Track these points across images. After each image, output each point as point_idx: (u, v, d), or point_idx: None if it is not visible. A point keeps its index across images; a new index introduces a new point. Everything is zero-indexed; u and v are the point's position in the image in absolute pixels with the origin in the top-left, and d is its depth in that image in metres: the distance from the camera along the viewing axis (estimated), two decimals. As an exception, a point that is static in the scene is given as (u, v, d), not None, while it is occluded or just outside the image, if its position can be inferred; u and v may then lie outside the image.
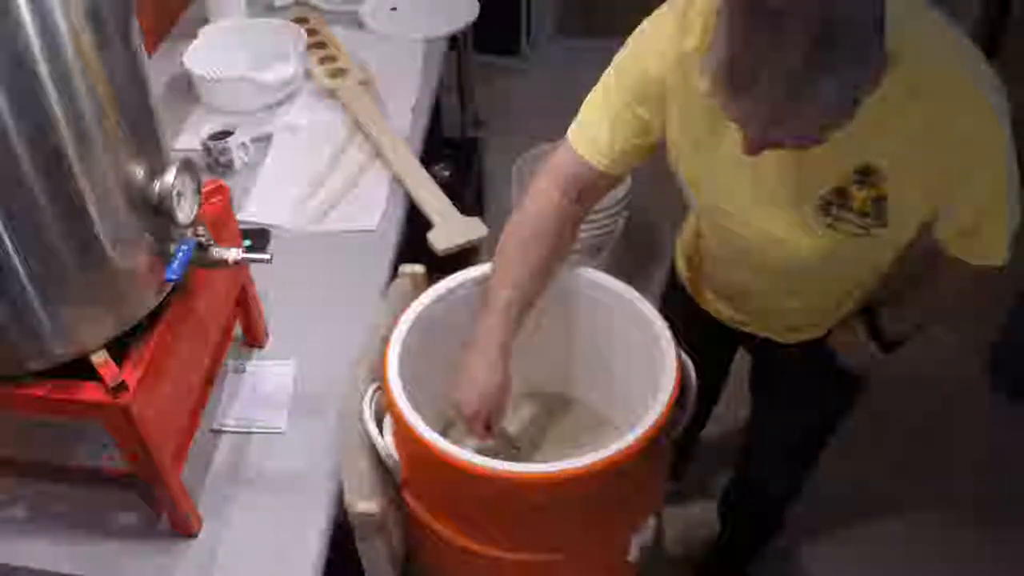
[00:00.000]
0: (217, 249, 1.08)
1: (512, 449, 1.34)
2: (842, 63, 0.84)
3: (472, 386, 1.17)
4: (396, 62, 2.06)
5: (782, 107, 0.87)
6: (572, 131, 1.19)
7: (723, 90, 0.91)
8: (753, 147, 0.96)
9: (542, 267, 1.20)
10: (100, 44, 0.86)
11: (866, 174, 1.03)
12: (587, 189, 1.20)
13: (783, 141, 0.94)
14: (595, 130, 1.17)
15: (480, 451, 1.15)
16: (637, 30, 1.14)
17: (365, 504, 1.08)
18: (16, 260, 0.87)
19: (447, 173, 2.34)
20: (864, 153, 1.02)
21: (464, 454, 1.05)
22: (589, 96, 1.19)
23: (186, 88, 1.94)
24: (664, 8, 1.11)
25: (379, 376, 1.16)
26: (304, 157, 1.77)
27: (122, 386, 0.96)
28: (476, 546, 1.14)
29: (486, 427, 1.20)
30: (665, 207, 1.72)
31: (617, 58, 1.16)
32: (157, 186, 0.96)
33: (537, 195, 1.20)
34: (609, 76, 1.17)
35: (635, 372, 1.24)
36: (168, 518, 1.16)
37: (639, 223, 2.59)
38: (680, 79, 1.09)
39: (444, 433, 1.11)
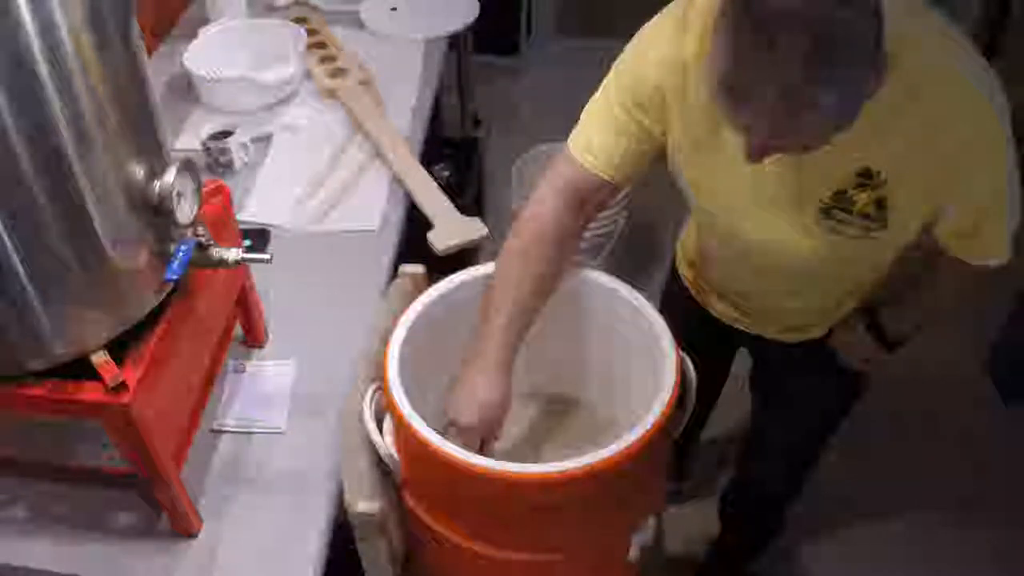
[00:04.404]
0: (217, 249, 1.08)
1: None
2: (841, 70, 0.84)
3: (471, 401, 1.14)
4: (396, 62, 2.06)
5: (783, 116, 0.87)
6: (572, 139, 1.18)
7: (724, 101, 0.91)
8: (755, 154, 0.96)
9: (543, 281, 1.18)
10: (100, 44, 0.86)
11: (867, 177, 1.03)
12: (588, 198, 1.18)
13: (785, 147, 0.94)
14: (596, 138, 1.15)
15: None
16: (636, 36, 1.13)
17: (365, 504, 1.08)
18: (16, 260, 0.87)
19: (447, 173, 2.34)
20: (864, 156, 1.02)
21: (464, 454, 1.05)
22: (589, 104, 1.18)
23: (186, 88, 1.94)
24: (662, 14, 1.11)
25: (379, 376, 1.16)
26: (304, 157, 1.77)
27: (122, 386, 0.96)
28: (476, 546, 1.13)
29: (482, 442, 1.17)
30: (665, 207, 1.73)
31: (616, 64, 1.15)
32: (157, 186, 0.96)
33: (537, 204, 1.18)
34: (609, 83, 1.16)
35: (635, 372, 1.24)
36: (168, 518, 1.16)
37: (639, 223, 2.59)
38: (680, 83, 1.08)
39: (444, 433, 1.10)
